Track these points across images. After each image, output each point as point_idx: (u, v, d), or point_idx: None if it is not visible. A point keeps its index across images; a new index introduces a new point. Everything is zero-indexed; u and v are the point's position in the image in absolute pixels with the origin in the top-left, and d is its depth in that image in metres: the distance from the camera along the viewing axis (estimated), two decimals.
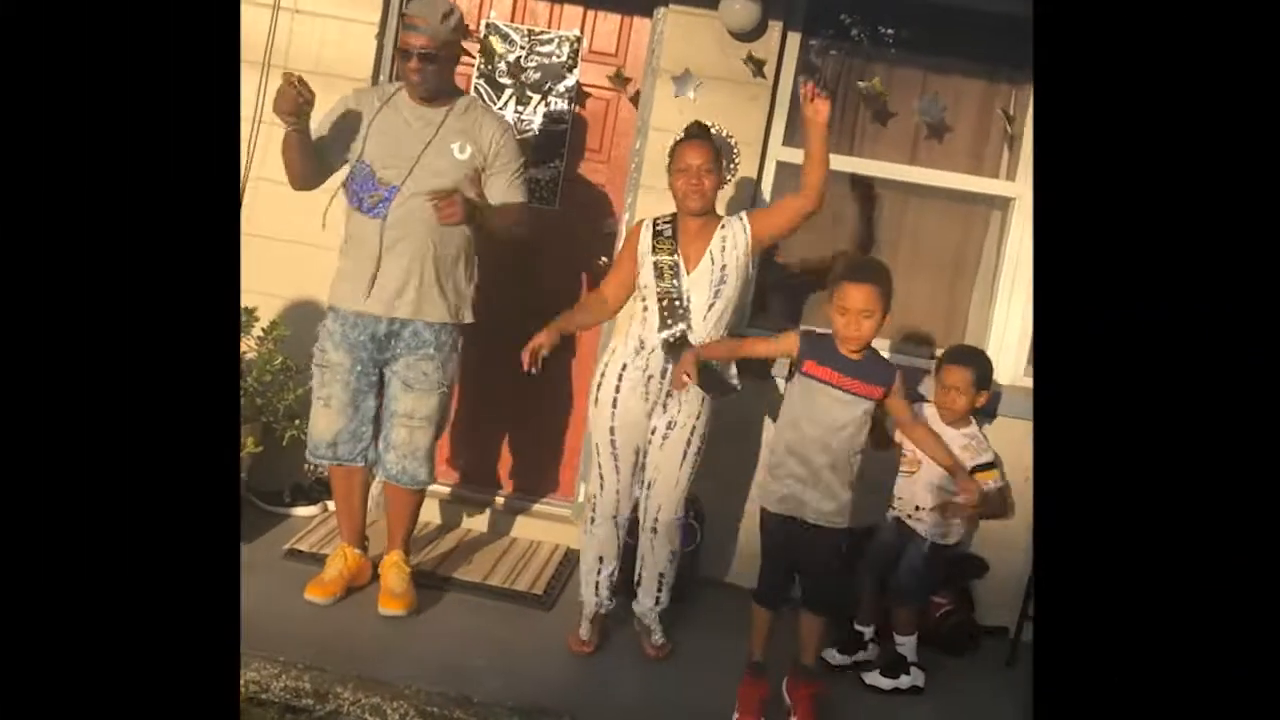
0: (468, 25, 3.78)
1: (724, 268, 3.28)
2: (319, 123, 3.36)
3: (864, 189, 4.21)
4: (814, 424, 3.08)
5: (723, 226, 3.32)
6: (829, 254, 4.24)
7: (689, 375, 3.07)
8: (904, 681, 3.50)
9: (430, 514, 4.22)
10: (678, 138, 3.39)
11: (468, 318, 3.48)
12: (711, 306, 3.28)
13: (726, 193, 3.77)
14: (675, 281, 3.26)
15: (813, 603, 3.21)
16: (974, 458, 3.51)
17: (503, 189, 3.40)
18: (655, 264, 3.28)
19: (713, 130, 3.41)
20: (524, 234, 3.49)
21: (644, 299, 3.34)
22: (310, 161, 3.33)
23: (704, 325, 3.27)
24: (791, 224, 3.32)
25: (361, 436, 3.46)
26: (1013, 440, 3.84)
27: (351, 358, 3.38)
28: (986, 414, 3.83)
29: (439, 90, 3.35)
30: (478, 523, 4.31)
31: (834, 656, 3.61)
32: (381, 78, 4.16)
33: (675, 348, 3.25)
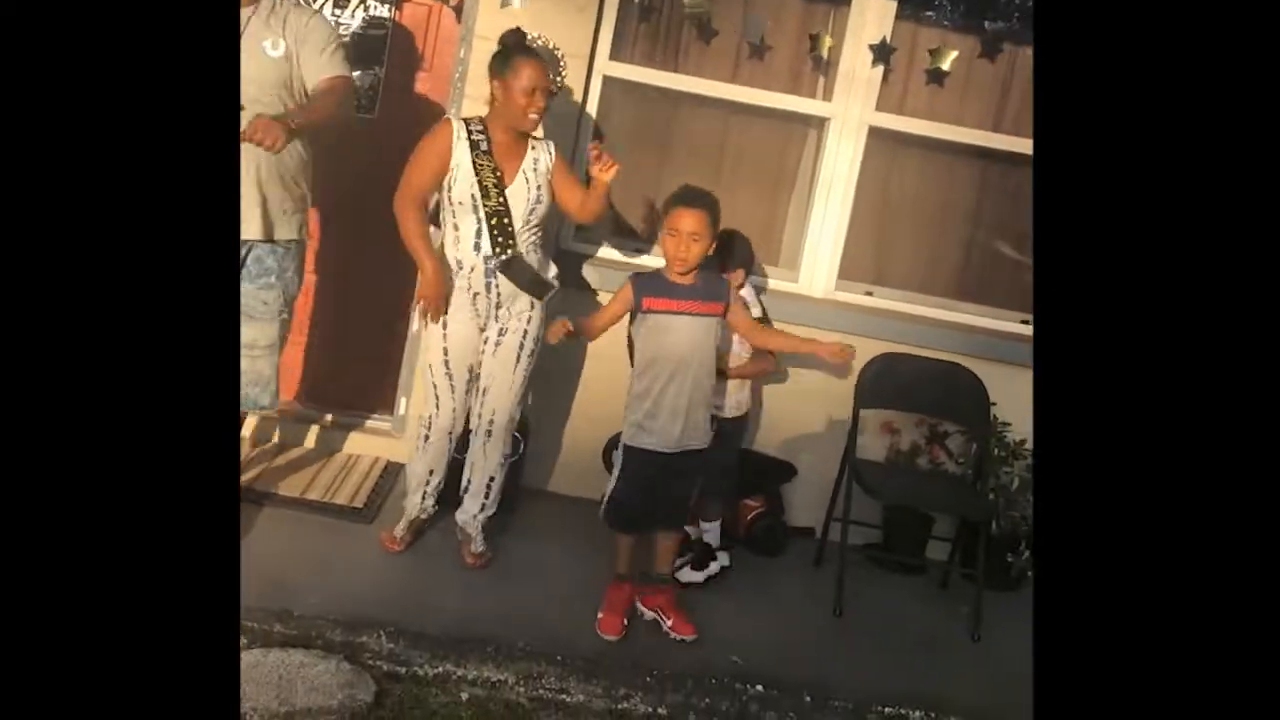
0: None
1: (539, 188, 3.31)
2: None
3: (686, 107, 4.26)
4: (669, 357, 3.16)
5: (532, 147, 3.33)
6: (653, 173, 4.30)
7: (560, 335, 3.12)
8: (714, 568, 3.67)
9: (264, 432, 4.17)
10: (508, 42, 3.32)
11: (304, 232, 3.33)
12: (526, 223, 3.30)
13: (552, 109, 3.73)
14: (501, 199, 3.25)
15: (675, 523, 3.36)
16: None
17: (321, 64, 3.14)
18: (480, 181, 3.23)
19: (538, 42, 3.37)
20: (349, 114, 3.31)
21: (455, 214, 3.28)
22: None
23: (520, 244, 3.29)
24: (569, 209, 3.44)
25: None
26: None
27: None
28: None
29: None
30: (308, 441, 4.25)
31: (692, 575, 3.65)
32: None
33: (508, 265, 3.27)
